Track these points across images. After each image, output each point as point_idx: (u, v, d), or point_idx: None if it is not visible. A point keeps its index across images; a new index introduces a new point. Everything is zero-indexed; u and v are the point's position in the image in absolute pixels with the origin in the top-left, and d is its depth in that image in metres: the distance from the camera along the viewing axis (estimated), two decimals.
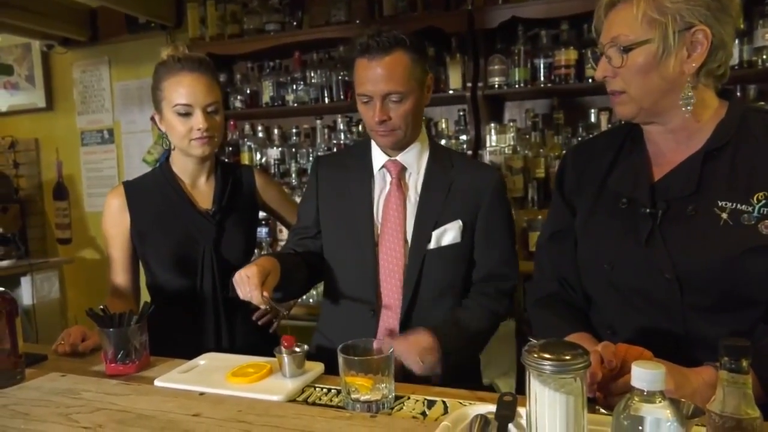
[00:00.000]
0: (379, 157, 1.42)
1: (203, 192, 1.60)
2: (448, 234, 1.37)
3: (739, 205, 0.97)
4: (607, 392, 0.92)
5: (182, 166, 1.59)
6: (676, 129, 1.04)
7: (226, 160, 2.65)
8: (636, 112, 1.04)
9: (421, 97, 1.37)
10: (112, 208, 1.57)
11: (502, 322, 1.47)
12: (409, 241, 1.37)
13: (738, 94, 2.20)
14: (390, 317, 1.37)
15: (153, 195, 1.57)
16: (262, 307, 1.25)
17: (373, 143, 1.43)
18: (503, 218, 1.43)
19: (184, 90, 1.46)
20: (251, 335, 1.55)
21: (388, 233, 1.37)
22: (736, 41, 2.11)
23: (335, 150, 2.73)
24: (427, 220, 1.37)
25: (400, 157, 1.40)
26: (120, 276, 1.58)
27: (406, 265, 1.36)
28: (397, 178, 1.40)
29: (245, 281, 1.20)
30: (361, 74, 1.33)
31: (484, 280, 1.42)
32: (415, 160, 1.40)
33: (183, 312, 1.53)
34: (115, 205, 1.57)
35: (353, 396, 1.00)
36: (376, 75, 1.29)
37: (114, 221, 1.57)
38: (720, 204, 0.98)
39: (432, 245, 1.36)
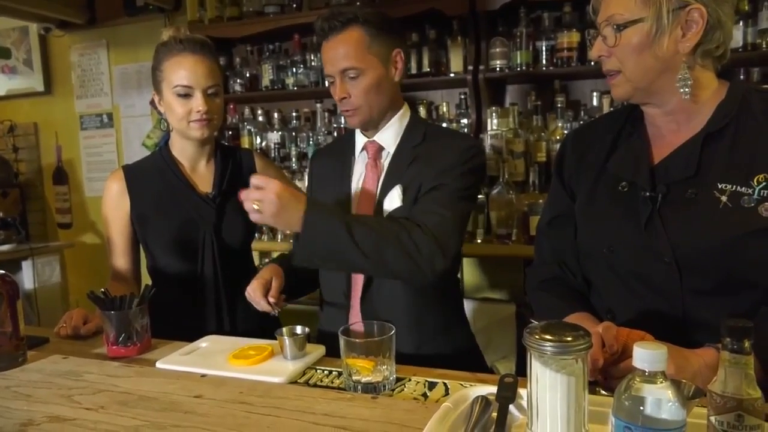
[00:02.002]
0: (360, 140, 1.44)
1: (203, 176, 1.59)
2: (393, 199, 1.33)
3: (739, 188, 0.96)
4: (608, 375, 0.92)
5: (181, 150, 1.58)
6: (675, 110, 1.04)
7: (226, 144, 2.63)
8: (631, 93, 1.03)
9: (386, 73, 1.35)
10: (111, 191, 1.57)
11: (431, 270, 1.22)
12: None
13: (741, 77, 2.18)
14: (355, 296, 1.38)
15: (153, 179, 1.57)
16: (274, 312, 1.35)
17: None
18: (451, 176, 1.29)
19: (184, 71, 1.45)
20: (252, 318, 1.55)
21: (361, 212, 1.37)
22: (740, 24, 2.09)
23: (335, 134, 2.72)
24: (389, 192, 1.35)
25: (378, 137, 1.40)
26: (120, 260, 1.59)
27: None
28: (373, 159, 1.40)
29: (251, 297, 1.34)
30: (323, 57, 1.36)
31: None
32: (392, 138, 1.39)
33: (184, 295, 1.54)
34: (115, 188, 1.57)
35: (354, 378, 1.00)
36: (331, 54, 1.33)
37: (113, 205, 1.57)
38: (720, 186, 0.97)
39: (384, 213, 1.33)
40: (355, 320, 1.38)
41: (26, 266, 3.20)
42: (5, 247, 3.11)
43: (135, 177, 1.57)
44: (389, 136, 1.40)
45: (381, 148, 1.40)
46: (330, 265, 1.29)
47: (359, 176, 1.42)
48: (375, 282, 1.35)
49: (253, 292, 1.34)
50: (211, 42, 1.54)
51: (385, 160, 1.40)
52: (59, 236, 3.67)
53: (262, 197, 1.14)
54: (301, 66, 2.78)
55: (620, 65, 1.01)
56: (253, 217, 1.17)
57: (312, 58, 2.76)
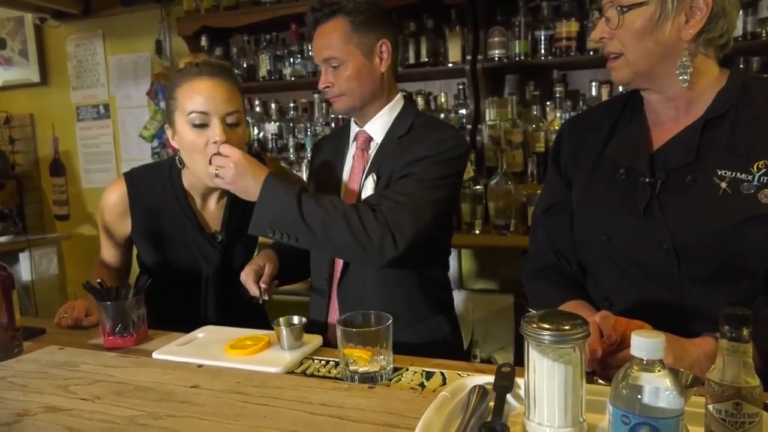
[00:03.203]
0: (354, 129, 1.44)
1: (212, 213, 1.50)
2: (367, 188, 1.34)
3: (738, 174, 0.95)
4: (606, 365, 0.92)
5: (193, 183, 1.46)
6: (675, 97, 1.03)
7: None
8: (631, 77, 1.03)
9: (370, 63, 1.35)
10: (111, 205, 1.46)
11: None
12: None
13: (741, 66, 2.16)
14: (335, 283, 1.39)
15: (158, 204, 1.46)
16: (263, 298, 1.36)
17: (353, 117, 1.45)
18: (422, 165, 1.28)
19: (200, 96, 1.30)
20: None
21: (347, 201, 1.36)
22: (741, 12, 2.08)
23: (333, 125, 2.71)
24: (369, 182, 1.36)
25: (367, 127, 1.40)
26: (109, 258, 1.55)
27: None
28: (360, 149, 1.40)
29: (244, 280, 1.36)
30: (312, 47, 1.39)
31: None
32: (381, 128, 1.39)
33: (180, 311, 1.47)
34: (115, 202, 1.46)
35: (351, 368, 1.00)
36: (317, 44, 1.36)
37: (112, 219, 1.48)
38: (719, 173, 0.97)
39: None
40: (334, 307, 1.39)
41: (23, 258, 3.19)
42: (2, 239, 3.10)
43: (139, 196, 1.45)
44: (378, 126, 1.39)
45: (370, 138, 1.40)
46: (282, 239, 1.25)
47: (350, 166, 1.42)
48: (351, 268, 1.36)
49: (246, 276, 1.35)
50: (231, 67, 1.45)
51: (372, 150, 1.40)
52: (56, 228, 3.67)
53: (223, 163, 1.24)
54: (299, 56, 2.76)
55: (622, 48, 1.01)
56: (216, 181, 1.26)
57: (309, 48, 2.74)
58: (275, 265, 1.39)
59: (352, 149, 1.43)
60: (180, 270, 1.48)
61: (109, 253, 1.55)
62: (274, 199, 1.22)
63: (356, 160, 1.41)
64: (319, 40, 1.35)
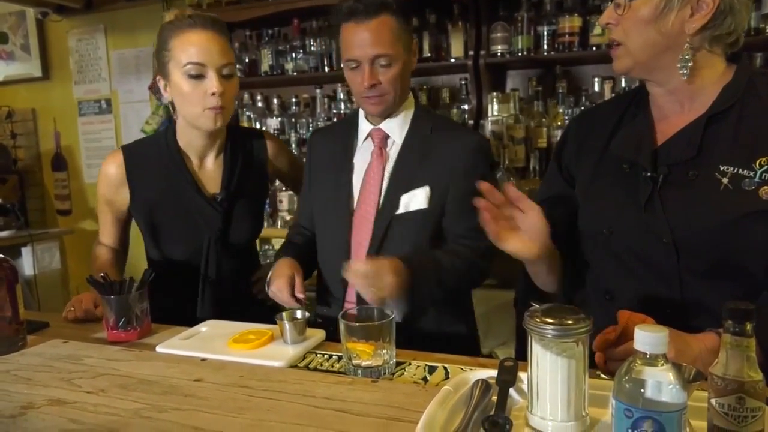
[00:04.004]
0: (364, 126, 1.41)
1: (211, 173, 1.48)
2: (416, 199, 1.33)
3: (740, 170, 0.95)
4: (608, 357, 0.92)
5: (189, 142, 1.45)
6: (677, 90, 1.03)
7: (239, 126, 2.57)
8: (631, 66, 1.02)
9: (409, 62, 1.35)
10: (109, 176, 1.47)
11: (485, 283, 1.44)
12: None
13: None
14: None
15: (155, 171, 1.45)
16: (301, 306, 1.30)
17: (360, 112, 1.42)
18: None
19: (195, 48, 1.31)
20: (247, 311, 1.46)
21: (364, 202, 1.36)
22: None
23: (335, 120, 2.71)
24: (399, 187, 1.34)
25: (384, 125, 1.38)
26: (108, 236, 1.56)
27: (373, 232, 1.34)
28: (378, 147, 1.38)
29: (278, 295, 1.32)
30: (348, 39, 1.30)
31: (453, 242, 1.36)
32: (399, 127, 1.38)
33: (182, 287, 1.46)
34: (113, 174, 1.46)
35: (354, 362, 1.00)
36: (364, 39, 1.27)
37: (110, 191, 1.48)
38: (721, 168, 0.97)
39: (400, 210, 1.33)
40: (351, 301, 1.37)
41: (26, 252, 3.19)
42: (4, 234, 3.10)
43: (136, 166, 1.45)
44: (396, 125, 1.37)
45: (386, 136, 1.38)
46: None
47: (363, 164, 1.39)
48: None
49: (280, 292, 1.30)
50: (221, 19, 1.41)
51: (391, 149, 1.38)
52: (58, 223, 3.67)
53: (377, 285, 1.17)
54: (301, 51, 2.76)
55: (624, 37, 1.01)
56: (375, 300, 1.17)
57: (311, 43, 2.74)
58: (301, 271, 1.35)
59: (365, 146, 1.40)
60: (180, 238, 1.45)
61: (108, 232, 1.55)
62: (424, 291, 1.26)
63: (374, 158, 1.37)
64: (364, 35, 1.27)
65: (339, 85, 2.77)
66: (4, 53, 3.66)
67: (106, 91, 3.47)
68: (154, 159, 1.46)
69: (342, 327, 1.01)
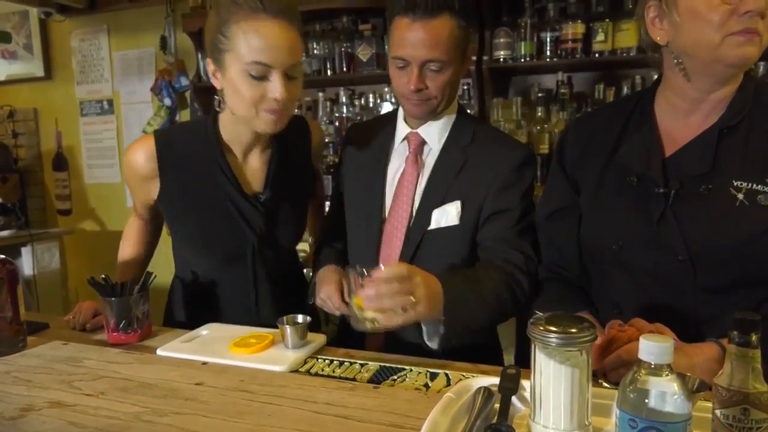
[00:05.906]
0: (402, 129, 1.33)
1: (254, 169, 1.32)
2: (449, 215, 1.25)
3: (755, 185, 0.95)
4: (599, 367, 0.92)
5: (235, 135, 1.28)
6: (715, 98, 1.00)
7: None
8: (756, 59, 0.95)
9: (461, 68, 1.25)
10: (137, 167, 1.28)
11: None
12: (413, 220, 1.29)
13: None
14: None
15: (192, 163, 1.27)
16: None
17: (400, 112, 1.35)
18: (515, 199, 1.24)
19: (262, 44, 1.11)
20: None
21: (396, 211, 1.30)
22: None
23: (337, 124, 2.71)
24: (432, 200, 1.27)
25: (422, 129, 1.29)
26: (140, 211, 1.41)
27: (404, 246, 1.28)
28: (414, 154, 1.30)
29: (327, 303, 1.26)
30: (400, 35, 1.19)
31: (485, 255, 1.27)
32: (437, 134, 1.29)
33: (211, 288, 1.35)
34: (141, 164, 1.27)
35: (360, 315, 1.02)
36: (419, 38, 1.16)
37: (137, 183, 1.31)
38: (735, 184, 0.96)
39: (432, 226, 1.26)
40: None
41: (26, 252, 3.19)
42: (4, 233, 3.10)
43: (169, 156, 1.27)
44: (435, 131, 1.29)
45: (423, 142, 1.30)
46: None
47: (397, 168, 1.33)
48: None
49: (329, 299, 1.24)
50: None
51: (427, 156, 1.30)
52: (59, 223, 3.67)
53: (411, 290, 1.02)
54: (303, 54, 2.75)
55: (764, 30, 0.93)
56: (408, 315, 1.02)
57: (314, 46, 2.74)
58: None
59: (400, 149, 1.33)
60: (218, 241, 1.30)
61: (140, 207, 1.40)
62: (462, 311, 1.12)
63: (409, 164, 1.30)
64: (419, 34, 1.16)
65: (341, 88, 2.77)
66: (6, 53, 3.66)
67: (108, 92, 3.47)
68: (190, 149, 1.29)
69: (351, 280, 1.03)
